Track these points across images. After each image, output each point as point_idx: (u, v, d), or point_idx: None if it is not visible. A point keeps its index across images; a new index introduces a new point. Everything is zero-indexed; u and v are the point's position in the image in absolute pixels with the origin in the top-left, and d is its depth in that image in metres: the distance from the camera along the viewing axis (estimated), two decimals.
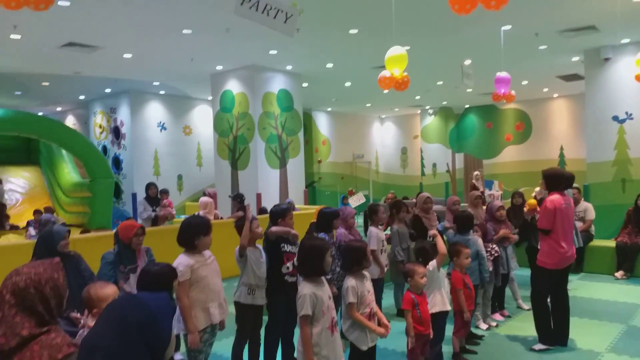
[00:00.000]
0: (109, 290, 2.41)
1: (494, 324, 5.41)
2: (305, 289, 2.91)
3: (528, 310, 5.76)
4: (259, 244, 4.24)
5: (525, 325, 5.36)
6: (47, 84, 11.83)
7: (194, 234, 3.48)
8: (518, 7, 7.16)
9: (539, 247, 4.76)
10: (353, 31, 8.12)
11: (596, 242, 7.96)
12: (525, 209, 6.10)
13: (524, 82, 13.12)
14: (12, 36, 7.87)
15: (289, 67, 10.74)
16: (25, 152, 13.19)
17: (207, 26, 7.71)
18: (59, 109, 16.06)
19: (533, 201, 5.47)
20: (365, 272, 3.45)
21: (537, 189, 6.47)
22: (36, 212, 9.29)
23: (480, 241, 5.05)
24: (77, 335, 2.38)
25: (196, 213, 8.72)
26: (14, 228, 10.04)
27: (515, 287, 6.07)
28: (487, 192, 10.94)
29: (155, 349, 1.46)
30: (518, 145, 17.05)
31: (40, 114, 14.66)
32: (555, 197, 4.60)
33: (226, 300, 3.68)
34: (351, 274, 3.38)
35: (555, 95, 15.90)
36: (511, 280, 5.97)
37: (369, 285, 3.42)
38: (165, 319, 1.51)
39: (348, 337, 3.33)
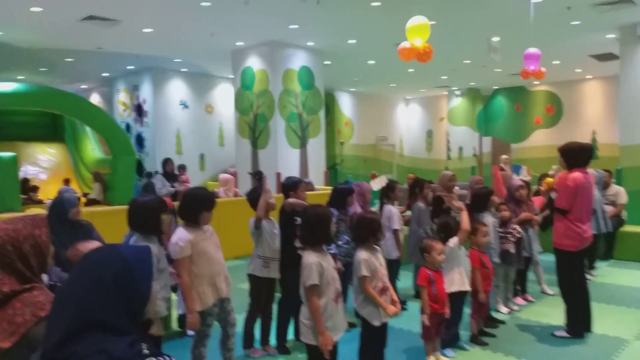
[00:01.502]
0: (90, 246, 2.31)
1: (515, 308, 5.20)
2: (310, 257, 2.76)
3: (552, 295, 5.53)
4: (273, 217, 4.14)
5: (548, 311, 5.13)
6: (70, 60, 11.89)
7: (197, 207, 3.28)
8: None
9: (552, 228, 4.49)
10: (375, 4, 7.85)
11: (628, 228, 7.62)
12: (541, 188, 5.82)
13: (556, 62, 12.60)
14: (33, 9, 7.85)
15: (310, 43, 10.52)
16: (50, 129, 13.35)
17: None
18: (83, 86, 16.21)
19: (550, 180, 5.21)
20: (377, 247, 3.30)
21: (555, 166, 6.15)
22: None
23: (491, 220, 4.79)
24: None
25: (216, 190, 8.70)
26: (40, 202, 10.20)
27: (540, 270, 5.81)
28: (514, 177, 10.60)
29: (131, 303, 1.33)
30: (548, 129, 16.49)
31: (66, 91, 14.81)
32: (576, 174, 4.24)
33: (229, 273, 3.55)
34: (363, 246, 3.23)
35: (589, 76, 15.27)
36: (535, 264, 5.72)
37: (381, 259, 3.27)
38: (144, 272, 1.38)
39: (360, 311, 3.20)
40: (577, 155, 4.33)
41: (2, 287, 1.65)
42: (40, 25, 8.91)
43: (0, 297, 1.64)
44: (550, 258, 5.96)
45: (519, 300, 5.42)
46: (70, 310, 1.27)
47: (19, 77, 13.93)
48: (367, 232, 3.23)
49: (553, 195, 4.69)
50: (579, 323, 4.42)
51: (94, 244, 2.38)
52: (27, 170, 11.77)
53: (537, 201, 6.12)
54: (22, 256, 1.68)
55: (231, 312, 3.53)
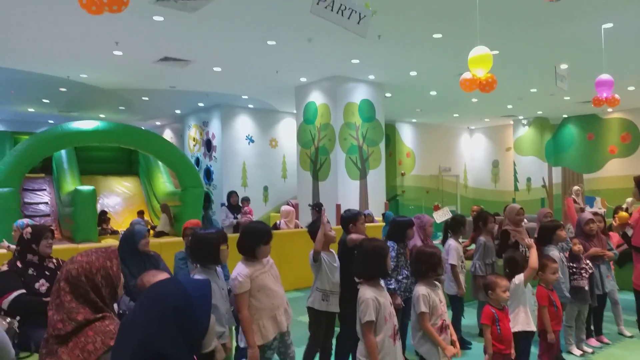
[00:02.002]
0: (158, 276, 2.43)
1: (589, 350, 4.85)
2: (366, 293, 2.75)
3: (630, 337, 5.13)
4: (333, 249, 4.15)
5: (625, 354, 4.76)
6: (146, 98, 12.72)
7: (254, 241, 3.33)
8: (620, 2, 6.54)
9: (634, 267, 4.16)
10: (437, 36, 7.87)
11: None
12: (614, 223, 5.47)
13: (630, 88, 11.96)
14: (115, 52, 8.53)
15: (371, 77, 10.65)
16: (126, 164, 14.23)
17: (290, 36, 7.86)
18: (158, 123, 17.22)
19: (624, 214, 4.88)
20: (437, 282, 3.23)
21: (629, 199, 5.75)
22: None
23: (559, 256, 4.54)
24: None
25: (277, 222, 8.87)
26: (115, 233, 10.80)
27: (619, 310, 5.40)
28: (587, 209, 10.05)
29: (190, 335, 1.40)
30: (624, 158, 15.54)
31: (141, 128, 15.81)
32: None
33: (289, 305, 3.58)
34: (423, 281, 3.17)
35: None
36: (614, 303, 5.34)
37: (441, 295, 3.19)
38: (203, 306, 1.45)
39: (418, 349, 3.12)
40: None
41: (77, 317, 1.77)
42: (120, 68, 9.65)
43: (75, 326, 1.76)
44: (629, 296, 5.56)
45: (593, 341, 5.06)
46: (134, 341, 1.35)
47: (100, 116, 15.07)
48: (427, 266, 3.17)
49: (629, 231, 4.35)
50: None
51: (159, 276, 2.50)
52: (104, 203, 12.53)
53: (615, 236, 5.75)
54: (94, 287, 1.80)
55: (290, 346, 3.53)
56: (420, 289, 3.11)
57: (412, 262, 3.40)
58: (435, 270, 3.18)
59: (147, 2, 6.31)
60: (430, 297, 3.09)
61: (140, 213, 10.14)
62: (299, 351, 3.87)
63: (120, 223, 12.09)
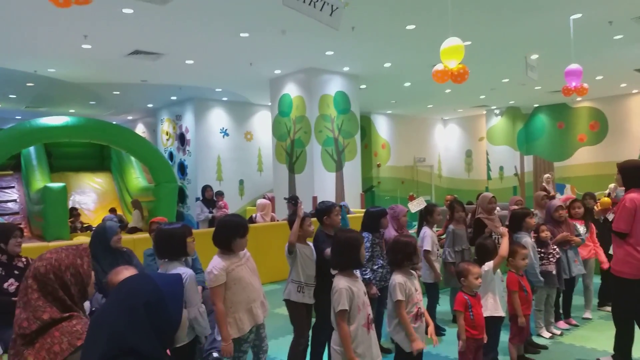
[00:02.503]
0: (125, 273, 2.40)
1: (557, 332, 5.00)
2: (340, 282, 2.77)
3: (590, 319, 5.35)
4: (310, 242, 4.16)
5: (593, 335, 4.92)
6: (117, 92, 12.47)
7: (230, 234, 3.33)
8: None
9: (611, 253, 4.27)
10: (410, 27, 7.91)
11: None
12: (596, 208, 5.62)
13: (599, 77, 12.26)
14: (84, 46, 8.33)
15: (345, 69, 10.66)
16: (98, 159, 13.97)
17: (263, 28, 7.79)
18: (129, 117, 16.92)
19: (606, 199, 5.01)
20: (413, 271, 3.27)
21: (612, 185, 5.88)
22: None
23: (530, 242, 4.66)
24: None
25: (253, 215, 8.84)
26: (87, 229, 10.61)
27: (590, 295, 5.57)
28: (558, 196, 10.31)
29: (162, 330, 1.39)
30: (592, 146, 15.96)
31: (113, 122, 15.51)
32: (634, 195, 3.99)
33: (266, 297, 3.58)
34: (399, 270, 3.21)
35: (635, 90, 14.74)
36: (586, 288, 5.52)
37: (417, 284, 3.24)
38: (175, 300, 1.44)
39: (393, 337, 3.17)
40: (632, 173, 4.10)
41: (43, 315, 1.72)
42: (89, 62, 9.42)
43: (40, 325, 1.72)
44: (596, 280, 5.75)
45: (562, 324, 5.22)
46: (104, 337, 1.34)
47: (70, 111, 14.72)
48: (402, 255, 3.21)
49: (610, 216, 4.43)
50: (627, 352, 4.18)
51: (126, 272, 2.48)
52: (75, 200, 12.29)
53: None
54: (63, 285, 1.76)
55: (265, 339, 3.55)
56: (397, 278, 3.15)
57: (388, 252, 3.44)
58: (410, 259, 3.22)
59: None
60: (406, 285, 3.13)
61: (112, 210, 9.97)
62: (273, 344, 3.88)
63: (93, 220, 11.89)
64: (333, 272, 3.35)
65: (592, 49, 9.53)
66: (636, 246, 3.97)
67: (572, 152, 16.41)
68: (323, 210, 4.11)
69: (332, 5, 4.08)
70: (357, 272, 3.12)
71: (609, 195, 5.87)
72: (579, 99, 15.34)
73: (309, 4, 4.01)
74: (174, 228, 3.34)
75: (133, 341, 1.33)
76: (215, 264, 3.27)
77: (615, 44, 9.33)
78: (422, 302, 3.26)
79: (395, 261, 3.26)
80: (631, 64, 11.03)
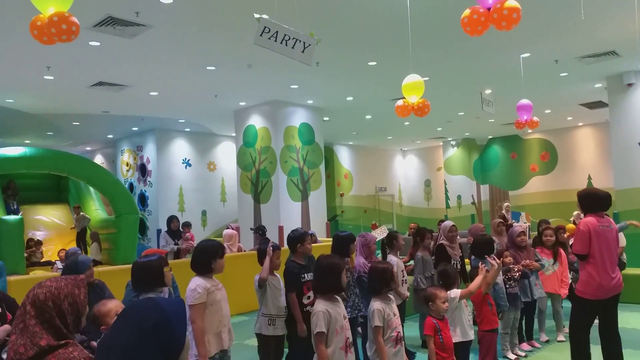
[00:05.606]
0: (110, 305, 2.44)
1: (522, 354, 5.22)
2: (319, 305, 2.87)
3: (547, 342, 5.62)
4: (278, 273, 4.23)
5: (555, 356, 5.15)
6: (77, 123, 12.28)
7: (210, 257, 3.46)
8: (536, 34, 7.20)
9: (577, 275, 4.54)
10: (372, 63, 8.26)
11: (629, 271, 7.66)
12: (565, 235, 5.96)
13: (547, 111, 13.02)
14: (46, 77, 8.24)
15: (310, 102, 10.92)
16: (55, 191, 13.54)
17: (229, 62, 7.95)
18: (88, 148, 16.58)
19: (572, 226, 5.33)
20: (391, 295, 3.40)
21: (575, 212, 6.27)
22: (62, 251, 9.50)
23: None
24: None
25: None
26: (48, 264, 10.25)
27: (543, 318, 5.84)
28: (514, 223, 10.75)
29: (169, 351, 1.45)
30: (544, 175, 16.79)
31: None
32: (589, 219, 4.27)
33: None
34: (377, 296, 3.33)
35: (580, 123, 15.70)
36: (556, 312, 5.80)
37: (395, 309, 3.36)
38: (180, 322, 1.51)
39: None
40: (591, 201, 4.39)
41: (40, 342, 1.75)
42: (50, 93, 9.30)
43: (37, 351, 1.74)
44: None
45: (525, 346, 5.45)
46: (114, 359, 1.40)
47: (26, 142, 14.31)
48: (380, 282, 3.34)
49: (571, 241, 4.77)
50: None
51: (113, 303, 2.52)
52: (31, 233, 11.86)
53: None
54: (60, 313, 1.80)
55: None
56: (375, 304, 3.27)
57: (368, 279, 3.58)
58: (388, 285, 3.35)
59: (83, 28, 6.20)
60: (385, 311, 3.25)
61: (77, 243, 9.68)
62: None
63: (50, 256, 11.47)
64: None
65: (541, 85, 10.18)
66: (596, 267, 4.19)
67: (525, 181, 17.18)
68: (296, 238, 4.20)
69: (304, 43, 4.27)
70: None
71: (574, 222, 6.25)
72: (530, 131, 16.17)
73: (281, 43, 4.19)
74: (151, 260, 3.38)
75: None
76: (199, 282, 3.38)
77: (562, 81, 10.01)
78: (401, 327, 3.38)
79: (374, 288, 3.39)
80: (576, 99, 11.80)
